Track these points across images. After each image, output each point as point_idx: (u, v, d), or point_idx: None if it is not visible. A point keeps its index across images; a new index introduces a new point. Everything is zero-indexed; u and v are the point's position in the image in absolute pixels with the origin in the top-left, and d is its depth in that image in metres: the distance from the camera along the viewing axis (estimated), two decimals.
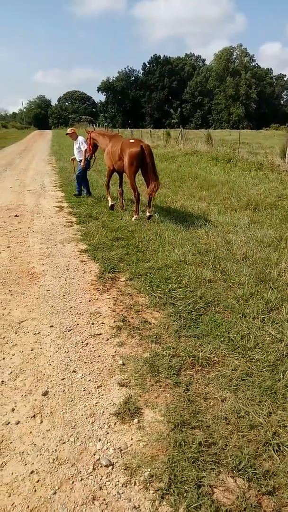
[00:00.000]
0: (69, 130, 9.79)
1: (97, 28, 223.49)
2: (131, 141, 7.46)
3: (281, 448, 2.25)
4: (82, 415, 2.59)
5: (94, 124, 60.41)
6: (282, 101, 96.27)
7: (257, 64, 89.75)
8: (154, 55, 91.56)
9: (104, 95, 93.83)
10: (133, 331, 3.59)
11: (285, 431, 2.37)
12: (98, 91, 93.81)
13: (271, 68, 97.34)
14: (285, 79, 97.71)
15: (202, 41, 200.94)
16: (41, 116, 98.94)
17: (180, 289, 4.34)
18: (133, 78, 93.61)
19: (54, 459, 2.26)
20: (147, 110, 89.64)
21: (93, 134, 8.90)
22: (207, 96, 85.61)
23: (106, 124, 61.01)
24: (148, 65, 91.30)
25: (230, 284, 4.45)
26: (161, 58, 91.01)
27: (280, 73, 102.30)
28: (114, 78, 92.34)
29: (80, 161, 9.48)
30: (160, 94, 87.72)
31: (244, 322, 3.63)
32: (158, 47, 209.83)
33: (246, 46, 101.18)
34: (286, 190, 9.58)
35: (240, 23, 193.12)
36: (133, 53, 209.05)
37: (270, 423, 2.42)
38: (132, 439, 2.38)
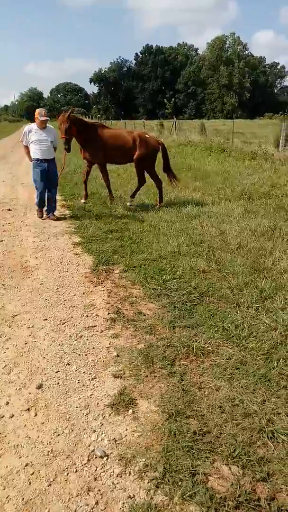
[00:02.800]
0: (44, 115, 6.91)
1: (89, 17, 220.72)
2: (147, 136, 7.95)
3: (275, 435, 2.26)
4: (76, 407, 2.59)
5: (87, 116, 59.90)
6: (275, 90, 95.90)
7: (250, 52, 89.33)
8: (146, 45, 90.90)
9: (97, 86, 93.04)
10: (127, 322, 3.58)
11: (279, 418, 2.38)
12: (90, 82, 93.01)
13: (264, 57, 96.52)
14: (279, 67, 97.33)
15: (195, 30, 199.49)
16: (33, 108, 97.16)
17: (175, 280, 4.33)
18: (126, 68, 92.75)
19: (49, 452, 2.25)
20: (140, 101, 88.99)
21: (74, 120, 7.41)
22: (201, 86, 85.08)
23: (99, 116, 60.49)
24: (141, 55, 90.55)
25: (225, 274, 4.44)
26: (154, 48, 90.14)
27: (273, 61, 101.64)
28: (106, 69, 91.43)
29: (52, 160, 7.17)
30: (153, 84, 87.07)
31: (238, 312, 3.63)
32: (150, 37, 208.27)
33: (239, 34, 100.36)
34: (280, 179, 9.56)
35: (233, 11, 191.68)
36: (125, 43, 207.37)
37: (264, 410, 2.43)
38: (126, 429, 2.38)
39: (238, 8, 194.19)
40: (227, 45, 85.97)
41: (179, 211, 7.30)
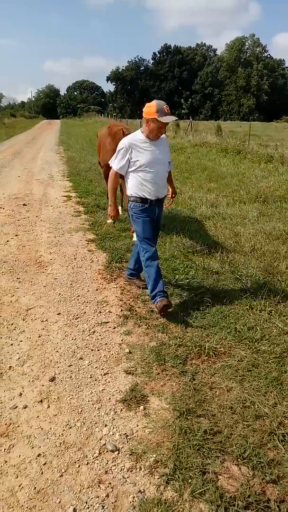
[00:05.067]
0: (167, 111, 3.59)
1: (109, 17, 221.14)
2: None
3: (286, 438, 2.26)
4: (88, 401, 2.62)
5: (102, 114, 60.09)
6: None
7: (269, 54, 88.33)
8: (164, 45, 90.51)
9: (113, 84, 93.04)
10: (140, 320, 3.61)
11: None
12: (107, 80, 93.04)
13: (283, 59, 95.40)
14: None
15: (214, 31, 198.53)
16: (49, 105, 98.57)
17: (187, 280, 4.34)
18: (143, 68, 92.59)
19: (61, 443, 2.29)
20: None
21: None
22: (218, 87, 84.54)
23: (115, 114, 60.57)
24: (158, 55, 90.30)
25: (238, 276, 4.44)
26: (172, 47, 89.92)
27: None
28: (124, 68, 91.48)
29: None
30: (169, 84, 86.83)
31: (251, 314, 3.63)
32: (169, 37, 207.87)
33: (258, 36, 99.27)
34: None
35: (254, 13, 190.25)
36: (144, 43, 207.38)
37: (276, 413, 2.43)
38: (138, 425, 2.40)
39: (258, 10, 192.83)
40: (246, 46, 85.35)
41: (193, 212, 7.30)
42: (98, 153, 6.82)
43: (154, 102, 3.49)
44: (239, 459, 2.13)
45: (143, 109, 3.53)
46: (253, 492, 1.94)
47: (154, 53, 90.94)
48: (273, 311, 3.69)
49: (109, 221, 6.48)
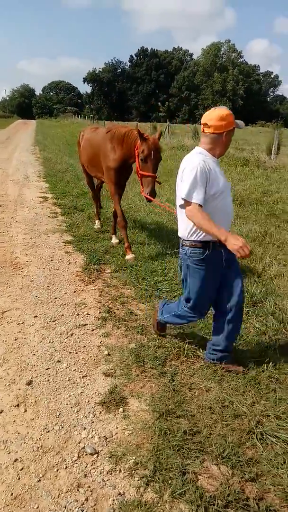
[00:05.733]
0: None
1: (86, 18, 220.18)
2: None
3: (264, 436, 2.29)
4: (67, 404, 2.58)
5: (79, 116, 59.63)
6: (268, 98, 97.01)
7: (244, 60, 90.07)
8: (141, 48, 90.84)
9: (90, 86, 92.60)
10: (118, 322, 3.59)
11: (268, 420, 2.41)
12: (84, 82, 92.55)
13: (258, 65, 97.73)
14: (272, 76, 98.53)
15: (190, 36, 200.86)
16: (24, 105, 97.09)
17: (166, 282, 4.35)
18: (120, 70, 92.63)
19: (38, 448, 2.24)
20: (133, 103, 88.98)
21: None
22: (194, 91, 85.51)
23: (92, 115, 60.26)
24: (135, 58, 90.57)
25: None
26: (149, 51, 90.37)
27: (267, 70, 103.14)
28: (101, 70, 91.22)
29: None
30: (147, 87, 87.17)
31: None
32: (145, 40, 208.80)
33: (234, 42, 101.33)
34: (271, 186, 9.68)
35: (229, 19, 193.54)
36: (120, 45, 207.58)
37: (254, 412, 2.46)
38: (117, 427, 2.38)
39: (234, 16, 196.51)
40: (222, 51, 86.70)
41: (171, 214, 7.33)
42: (80, 156, 6.31)
43: (225, 108, 2.63)
44: (218, 459, 2.15)
45: (215, 121, 2.55)
46: (232, 491, 1.95)
47: (131, 56, 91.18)
48: (250, 312, 3.74)
49: (115, 241, 5.70)
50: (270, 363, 2.94)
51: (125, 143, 4.86)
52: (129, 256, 4.97)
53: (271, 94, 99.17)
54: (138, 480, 2.03)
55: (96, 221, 6.55)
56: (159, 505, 1.90)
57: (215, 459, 2.15)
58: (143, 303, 3.96)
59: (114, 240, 5.74)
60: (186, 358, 3.05)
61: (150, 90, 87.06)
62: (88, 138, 5.91)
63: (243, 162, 12.97)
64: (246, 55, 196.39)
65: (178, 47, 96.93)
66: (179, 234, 2.78)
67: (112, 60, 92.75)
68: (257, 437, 2.29)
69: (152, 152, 4.46)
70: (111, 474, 2.07)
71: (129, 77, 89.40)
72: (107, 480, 2.04)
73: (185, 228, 2.69)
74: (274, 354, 3.09)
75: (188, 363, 3.01)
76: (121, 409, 2.52)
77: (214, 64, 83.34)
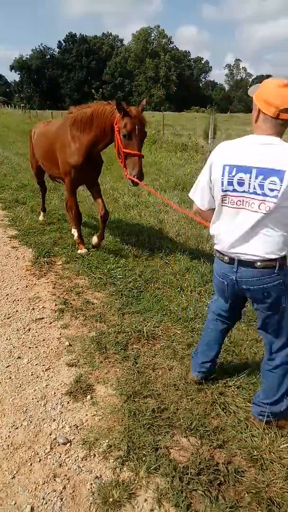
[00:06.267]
0: None
1: (5, 2, 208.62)
2: None
3: (227, 406, 2.44)
4: (33, 399, 2.56)
5: (9, 105, 57.04)
6: (200, 84, 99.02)
7: (175, 46, 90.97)
8: (69, 33, 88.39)
9: (18, 74, 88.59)
10: (76, 312, 3.58)
11: (229, 390, 2.56)
12: (11, 69, 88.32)
13: (189, 51, 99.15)
14: (203, 62, 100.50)
15: (119, 21, 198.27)
16: None
17: (119, 269, 4.39)
18: (49, 56, 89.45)
19: (8, 445, 2.21)
20: (66, 91, 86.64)
21: None
22: (128, 77, 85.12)
23: (22, 105, 57.79)
24: (64, 43, 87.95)
25: (166, 261, 4.59)
26: (77, 36, 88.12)
27: (198, 56, 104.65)
28: (28, 56, 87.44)
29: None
30: (78, 74, 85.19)
31: (183, 296, 3.79)
32: (73, 25, 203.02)
33: (163, 28, 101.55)
34: None
35: (157, 4, 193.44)
36: (47, 31, 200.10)
37: (216, 384, 2.60)
38: (87, 415, 2.41)
39: (162, 1, 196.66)
40: (152, 37, 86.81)
41: (116, 202, 7.35)
42: (31, 156, 5.90)
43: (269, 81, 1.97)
44: (187, 431, 2.26)
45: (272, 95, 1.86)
46: (203, 459, 2.07)
47: (60, 42, 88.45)
48: (202, 291, 3.89)
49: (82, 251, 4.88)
50: (226, 338, 3.10)
51: (95, 125, 4.20)
52: (81, 250, 4.89)
53: (203, 80, 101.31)
54: (113, 461, 2.08)
55: (41, 213, 6.37)
56: (136, 482, 1.96)
57: (184, 432, 2.25)
58: (98, 291, 3.97)
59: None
60: (146, 341, 3.13)
61: (82, 77, 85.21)
62: (42, 132, 5.42)
63: (182, 147, 13.23)
64: (176, 41, 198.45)
65: (108, 32, 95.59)
66: (263, 254, 2.00)
67: (39, 46, 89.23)
68: (221, 407, 2.43)
69: (137, 126, 3.84)
70: (86, 460, 2.10)
71: (59, 63, 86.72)
72: (82, 466, 2.07)
73: (281, 242, 1.98)
74: None
75: (149, 345, 3.09)
76: (88, 397, 2.54)
77: (146, 50, 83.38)
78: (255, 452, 2.10)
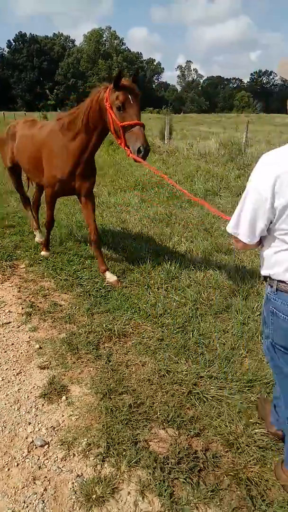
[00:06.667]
0: None
1: None
2: None
3: (201, 396, 2.51)
4: (5, 404, 2.50)
5: None
6: (154, 85, 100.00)
7: (127, 47, 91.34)
8: (19, 33, 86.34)
9: None
10: (44, 315, 3.53)
11: (202, 380, 2.64)
12: None
13: (141, 52, 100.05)
14: (155, 63, 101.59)
15: (70, 22, 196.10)
16: None
17: (85, 270, 4.37)
18: None
19: None
20: (17, 92, 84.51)
21: None
22: (81, 78, 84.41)
23: None
24: (14, 43, 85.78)
25: (132, 260, 4.63)
26: (28, 36, 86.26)
27: (150, 58, 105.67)
28: None
29: None
30: (30, 74, 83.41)
31: (150, 293, 3.84)
32: (23, 26, 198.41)
33: (115, 29, 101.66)
34: (169, 170, 10.15)
35: (108, 5, 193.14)
36: None
37: (189, 376, 2.66)
38: (63, 415, 2.39)
39: (112, 3, 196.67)
40: (104, 38, 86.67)
41: (76, 203, 7.28)
42: (5, 156, 5.13)
43: None
44: (164, 423, 2.30)
45: None
46: (182, 448, 2.12)
47: (9, 41, 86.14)
48: (169, 287, 3.96)
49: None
50: (195, 331, 3.19)
51: (92, 116, 3.68)
52: (44, 253, 4.79)
53: (156, 81, 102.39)
54: (94, 459, 2.08)
55: (36, 233, 5.33)
56: (118, 476, 1.98)
57: (161, 424, 2.30)
58: (65, 293, 3.93)
59: (38, 238, 5.16)
60: (118, 339, 3.15)
61: (34, 77, 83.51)
62: (27, 135, 4.59)
63: None
64: (127, 43, 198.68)
65: (59, 32, 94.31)
66: None
67: None
68: (195, 398, 2.50)
69: (130, 95, 3.39)
70: (65, 460, 2.09)
71: (9, 64, 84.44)
72: (62, 467, 2.06)
73: None
74: (197, 322, 3.34)
75: (120, 343, 3.11)
76: (64, 397, 2.53)
77: (98, 51, 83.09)
78: (231, 437, 2.18)
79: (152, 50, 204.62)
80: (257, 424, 2.28)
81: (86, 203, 4.22)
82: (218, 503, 1.85)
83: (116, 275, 4.13)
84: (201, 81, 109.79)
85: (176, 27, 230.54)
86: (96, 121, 3.67)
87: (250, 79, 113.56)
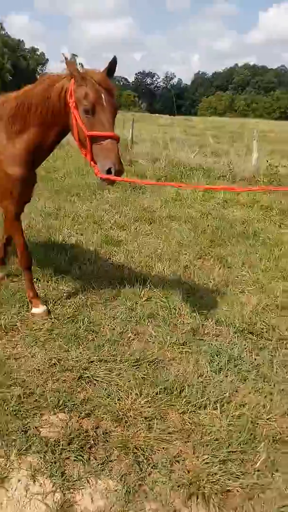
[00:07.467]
0: None
1: None
2: None
3: (91, 379, 2.60)
4: None
5: None
6: (38, 75, 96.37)
7: (7, 33, 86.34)
8: None
9: None
10: None
11: (93, 365, 2.73)
12: None
13: (22, 40, 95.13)
14: (39, 53, 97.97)
15: None
16: None
17: None
18: None
19: None
20: None
21: None
22: None
23: None
24: None
25: (17, 254, 4.48)
26: None
27: (32, 46, 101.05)
28: None
29: None
30: None
31: (39, 285, 3.79)
32: None
33: None
34: (56, 163, 9.99)
35: None
36: None
37: (80, 362, 2.73)
38: None
39: None
40: None
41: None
42: None
43: None
44: (55, 409, 2.34)
45: None
46: (73, 430, 2.19)
47: None
48: (59, 279, 3.95)
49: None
50: (85, 319, 3.26)
51: (40, 110, 2.75)
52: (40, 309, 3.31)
53: (40, 71, 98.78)
54: None
55: None
56: (7, 466, 1.96)
57: (52, 410, 2.33)
58: None
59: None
60: (5, 333, 3.06)
61: None
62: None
63: None
64: (7, 29, 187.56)
65: None
66: None
67: None
68: (86, 381, 2.58)
69: (103, 94, 2.52)
70: None
71: None
72: None
73: None
74: (87, 310, 3.42)
75: (8, 337, 3.03)
76: None
77: None
78: (120, 413, 2.31)
79: (36, 40, 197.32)
80: (143, 396, 2.46)
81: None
82: (108, 474, 1.96)
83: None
84: None
85: (60, 18, 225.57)
86: (56, 117, 2.76)
87: (135, 79, 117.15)
